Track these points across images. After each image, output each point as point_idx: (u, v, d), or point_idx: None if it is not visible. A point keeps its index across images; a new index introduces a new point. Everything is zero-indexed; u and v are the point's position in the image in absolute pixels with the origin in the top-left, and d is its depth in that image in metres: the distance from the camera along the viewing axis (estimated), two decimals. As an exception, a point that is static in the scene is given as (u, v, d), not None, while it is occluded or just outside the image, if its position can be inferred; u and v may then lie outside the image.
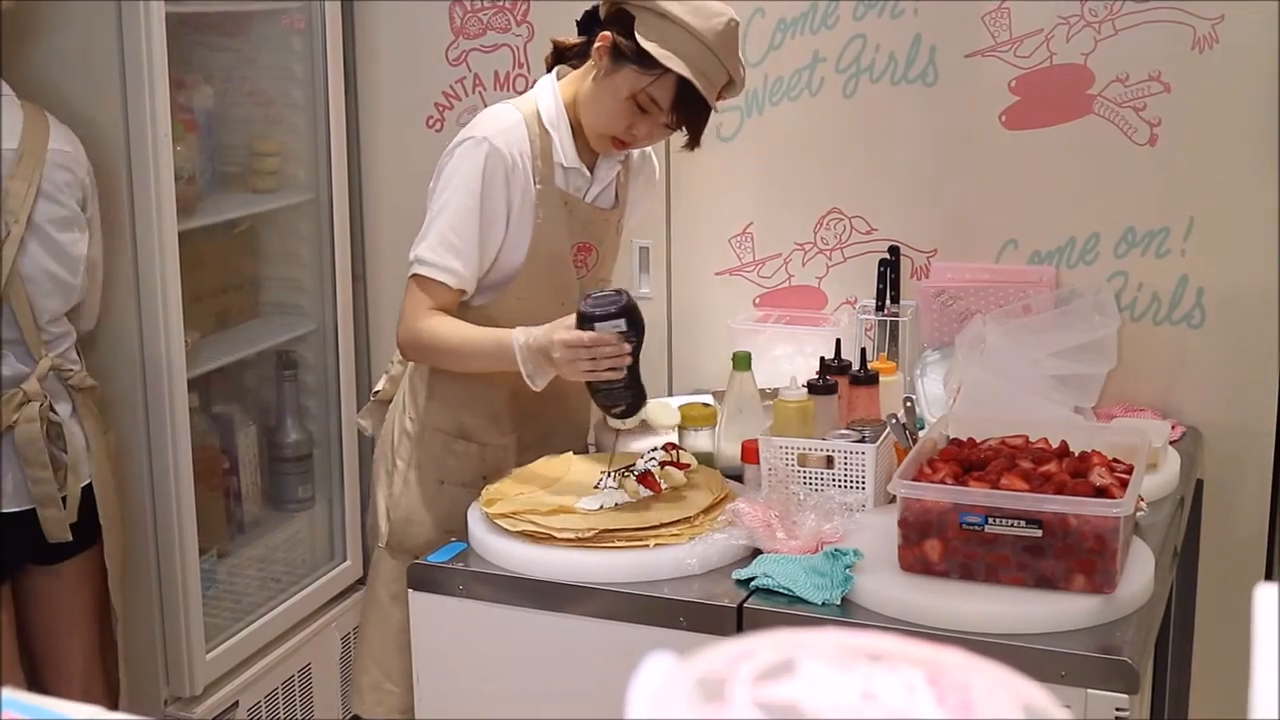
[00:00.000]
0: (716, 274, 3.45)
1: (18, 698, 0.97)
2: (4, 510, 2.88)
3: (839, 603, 2.24)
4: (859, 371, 2.75)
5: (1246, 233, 3.07)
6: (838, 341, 2.84)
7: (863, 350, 2.84)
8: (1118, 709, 2.08)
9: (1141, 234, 3.14)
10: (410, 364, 2.83)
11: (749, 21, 3.32)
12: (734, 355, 2.85)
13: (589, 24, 2.70)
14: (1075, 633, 2.15)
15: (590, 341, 2.48)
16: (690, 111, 2.60)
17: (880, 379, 2.77)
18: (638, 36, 2.55)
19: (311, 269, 3.72)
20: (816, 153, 3.36)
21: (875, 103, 3.28)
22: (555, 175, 2.67)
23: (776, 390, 2.70)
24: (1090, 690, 2.08)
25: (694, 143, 2.68)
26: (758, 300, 3.46)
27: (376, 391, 2.96)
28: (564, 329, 2.50)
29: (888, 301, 3.21)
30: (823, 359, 2.79)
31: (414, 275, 2.64)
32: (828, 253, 3.38)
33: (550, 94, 2.69)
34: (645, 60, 2.54)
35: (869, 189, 3.33)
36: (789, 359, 3.20)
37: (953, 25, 3.19)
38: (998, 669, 0.68)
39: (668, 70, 2.53)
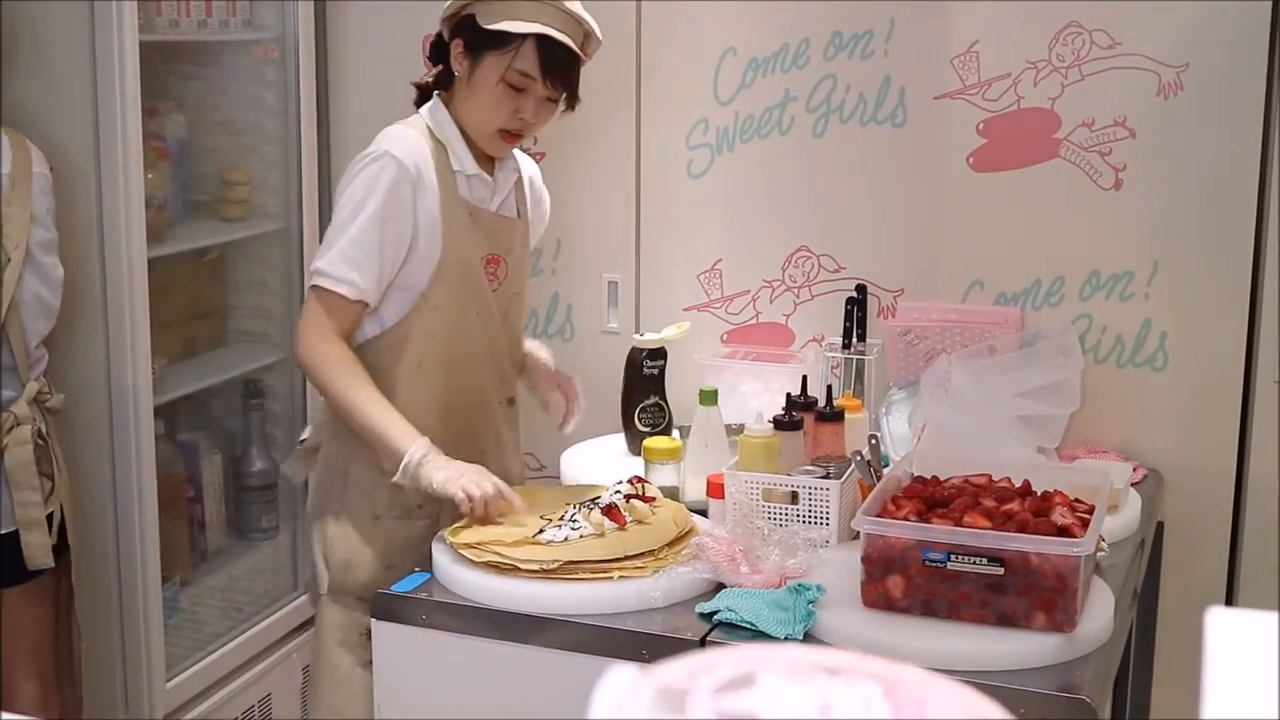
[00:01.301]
0: (685, 309, 3.47)
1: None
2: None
3: (801, 638, 2.24)
4: (825, 408, 2.77)
5: (1209, 277, 3.10)
6: (804, 378, 2.85)
7: (829, 388, 2.85)
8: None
9: (1106, 277, 3.17)
10: None
11: (721, 59, 3.36)
12: (700, 390, 2.87)
13: (437, 51, 2.77)
14: (1035, 670, 2.16)
15: (500, 485, 2.56)
16: (560, 71, 2.66)
17: (846, 416, 2.79)
18: (483, 26, 2.62)
19: (280, 298, 3.72)
20: (786, 191, 3.38)
21: (845, 142, 3.31)
22: (459, 185, 2.70)
23: (742, 426, 2.71)
24: (1049, 728, 2.09)
25: (573, 99, 2.73)
26: (725, 336, 3.47)
27: (303, 440, 2.93)
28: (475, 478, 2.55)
29: (854, 340, 3.23)
30: (789, 395, 2.80)
31: (313, 287, 2.64)
32: (795, 290, 3.40)
33: (433, 113, 2.73)
34: (499, 39, 2.62)
35: (837, 228, 3.36)
36: (755, 395, 3.22)
37: (922, 68, 3.22)
38: (953, 685, 0.69)
39: (525, 36, 2.61)
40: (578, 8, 2.68)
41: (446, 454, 2.60)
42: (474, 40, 2.65)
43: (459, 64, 2.68)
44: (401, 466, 2.54)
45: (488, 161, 2.77)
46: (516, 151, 2.87)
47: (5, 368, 2.87)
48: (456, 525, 2.53)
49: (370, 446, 2.63)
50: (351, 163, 2.68)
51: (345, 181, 2.66)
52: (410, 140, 2.66)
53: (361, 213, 2.60)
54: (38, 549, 2.91)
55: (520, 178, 2.88)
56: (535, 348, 3.01)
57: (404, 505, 2.71)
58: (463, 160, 2.71)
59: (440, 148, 2.68)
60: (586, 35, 2.71)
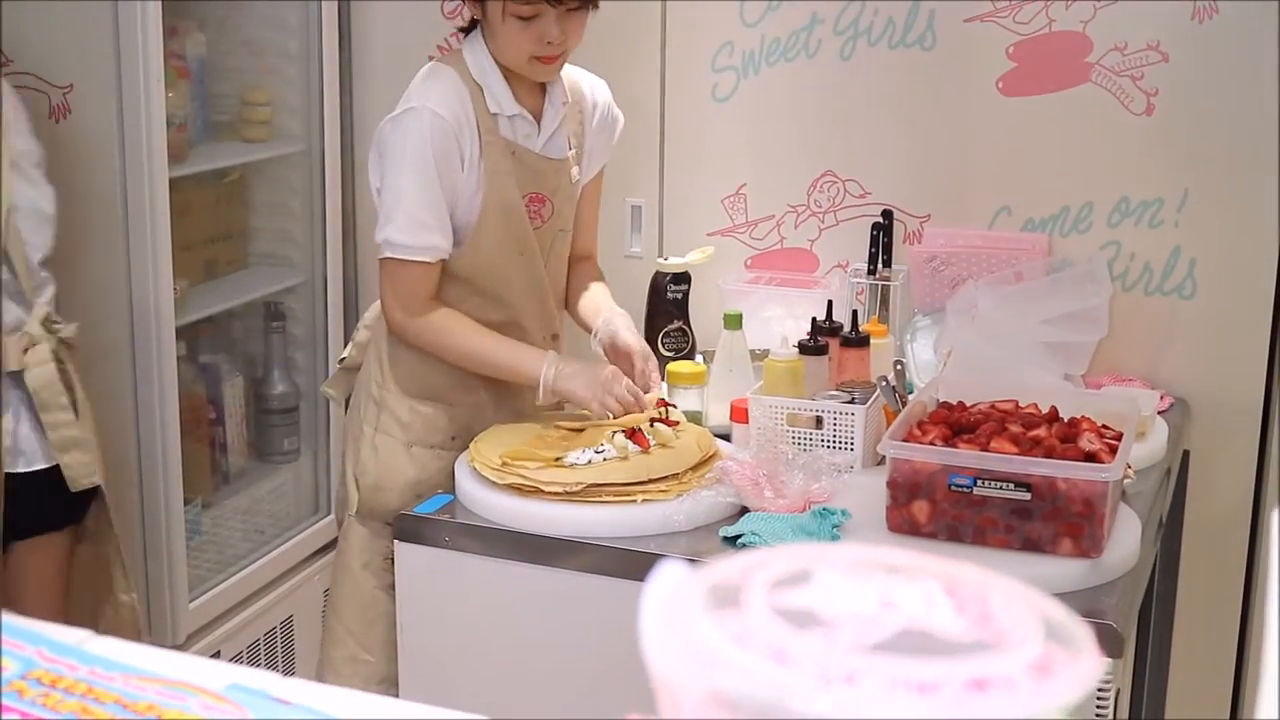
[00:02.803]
0: (709, 234, 3.44)
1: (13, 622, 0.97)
2: (22, 470, 2.74)
3: (826, 562, 2.24)
4: (850, 333, 2.75)
5: (1240, 205, 3.07)
6: (829, 303, 2.83)
7: (854, 313, 2.83)
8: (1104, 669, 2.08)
9: (1135, 204, 3.14)
10: (377, 328, 2.79)
11: (748, -19, 3.31)
12: (725, 315, 2.85)
13: None
14: (1061, 596, 2.12)
15: (633, 389, 2.60)
16: None
17: (871, 342, 2.77)
18: None
19: (301, 221, 3.70)
20: (812, 115, 3.35)
21: (872, 66, 3.27)
22: (500, 125, 2.63)
23: (767, 351, 2.70)
24: (1075, 654, 2.08)
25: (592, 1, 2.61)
26: (749, 261, 3.45)
27: (342, 359, 2.93)
28: (611, 368, 2.62)
29: (880, 266, 3.20)
30: (814, 320, 2.78)
31: (389, 259, 2.58)
32: (820, 215, 3.38)
33: (472, 51, 2.64)
34: None
35: (864, 152, 3.32)
36: (779, 321, 3.20)
37: (952, -11, 3.18)
38: (1014, 583, 0.68)
39: None
40: None
41: (481, 386, 2.69)
42: None
43: (470, 6, 2.62)
44: (540, 393, 2.59)
45: (535, 95, 2.68)
46: (582, 74, 2.81)
47: (9, 291, 2.73)
48: (479, 446, 2.53)
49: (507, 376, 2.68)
50: (385, 122, 2.60)
51: (386, 142, 2.59)
52: (443, 88, 2.58)
53: (414, 171, 2.54)
54: (81, 468, 2.78)
55: (579, 106, 2.78)
56: (620, 325, 2.78)
57: (438, 435, 2.71)
58: (501, 101, 2.62)
59: (477, 89, 2.60)
60: None
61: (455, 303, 2.65)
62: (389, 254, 2.58)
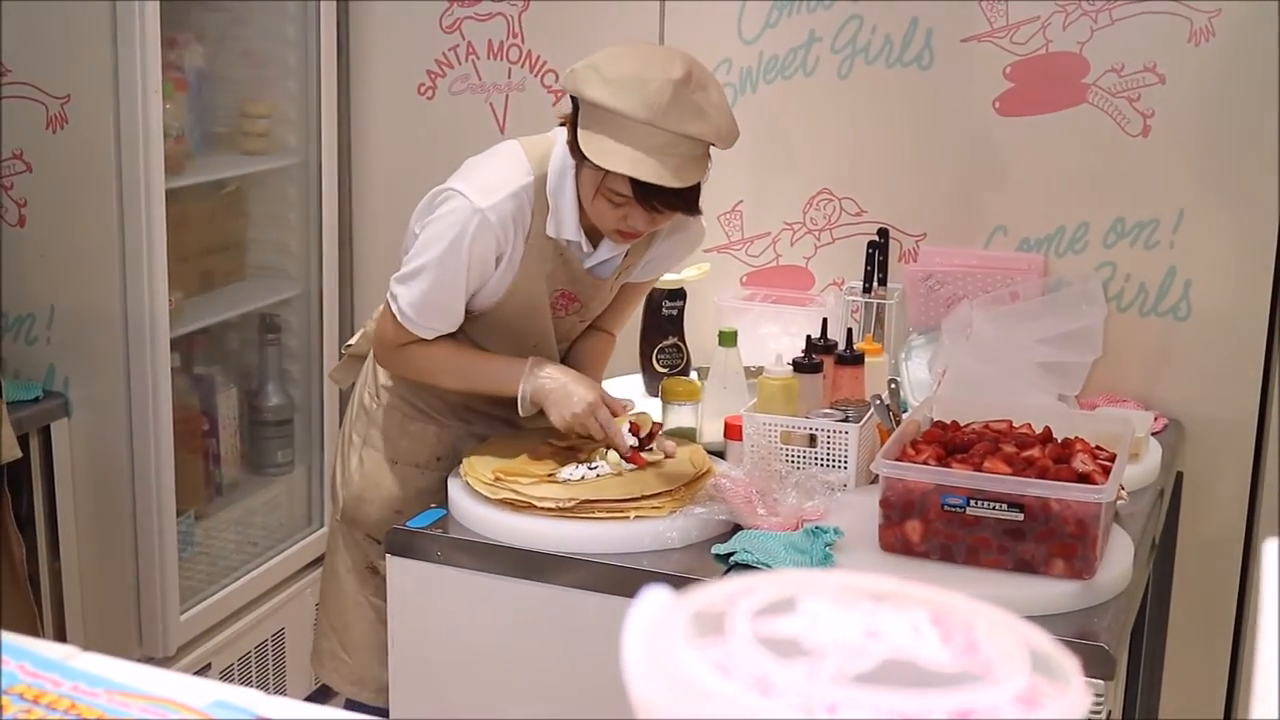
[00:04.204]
0: (705, 251, 3.44)
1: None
2: None
3: (818, 580, 2.23)
4: (845, 351, 2.75)
5: (1235, 227, 3.07)
6: (824, 321, 2.83)
7: (849, 331, 2.83)
8: (1093, 695, 2.08)
9: (1131, 225, 3.14)
10: None
11: (746, -2, 3.32)
12: (720, 332, 2.85)
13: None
14: (1053, 617, 2.15)
15: (608, 426, 2.47)
16: (663, 194, 2.35)
17: (866, 360, 2.77)
18: (579, 129, 2.37)
19: (298, 233, 3.71)
20: (809, 133, 3.35)
21: (870, 84, 3.27)
22: (548, 229, 2.50)
23: (761, 368, 2.69)
24: (1066, 675, 2.08)
25: (691, 211, 2.45)
26: (745, 278, 3.45)
27: (349, 345, 2.92)
28: (595, 390, 2.49)
29: (875, 284, 3.20)
30: (809, 338, 2.78)
31: (396, 319, 2.52)
32: (816, 233, 3.38)
33: (559, 164, 2.46)
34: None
35: (860, 171, 3.33)
36: (775, 338, 3.20)
37: (950, 9, 3.18)
38: (1001, 613, 0.68)
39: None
40: (687, 114, 2.30)
41: (472, 411, 2.65)
42: (572, 141, 2.40)
43: (572, 149, 2.42)
44: (521, 411, 2.53)
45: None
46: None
47: None
48: (472, 461, 2.53)
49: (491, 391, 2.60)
50: (440, 190, 2.46)
51: (435, 212, 2.45)
52: (509, 189, 2.43)
53: (444, 264, 2.43)
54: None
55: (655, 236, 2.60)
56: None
57: (424, 455, 2.70)
58: (563, 226, 2.46)
59: (542, 203, 2.45)
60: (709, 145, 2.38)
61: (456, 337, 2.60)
62: (393, 308, 2.51)
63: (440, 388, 2.64)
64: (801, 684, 0.61)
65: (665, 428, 2.76)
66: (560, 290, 2.57)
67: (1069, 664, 0.64)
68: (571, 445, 2.57)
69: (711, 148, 2.40)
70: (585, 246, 2.52)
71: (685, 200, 2.39)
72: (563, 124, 2.48)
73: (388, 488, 2.69)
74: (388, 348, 2.60)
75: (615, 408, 2.50)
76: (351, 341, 2.92)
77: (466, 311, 2.55)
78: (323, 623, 2.81)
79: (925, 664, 0.64)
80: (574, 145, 2.39)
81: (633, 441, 2.51)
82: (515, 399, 2.53)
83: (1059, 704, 0.61)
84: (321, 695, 3.29)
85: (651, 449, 2.52)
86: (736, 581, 0.70)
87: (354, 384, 2.86)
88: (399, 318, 2.51)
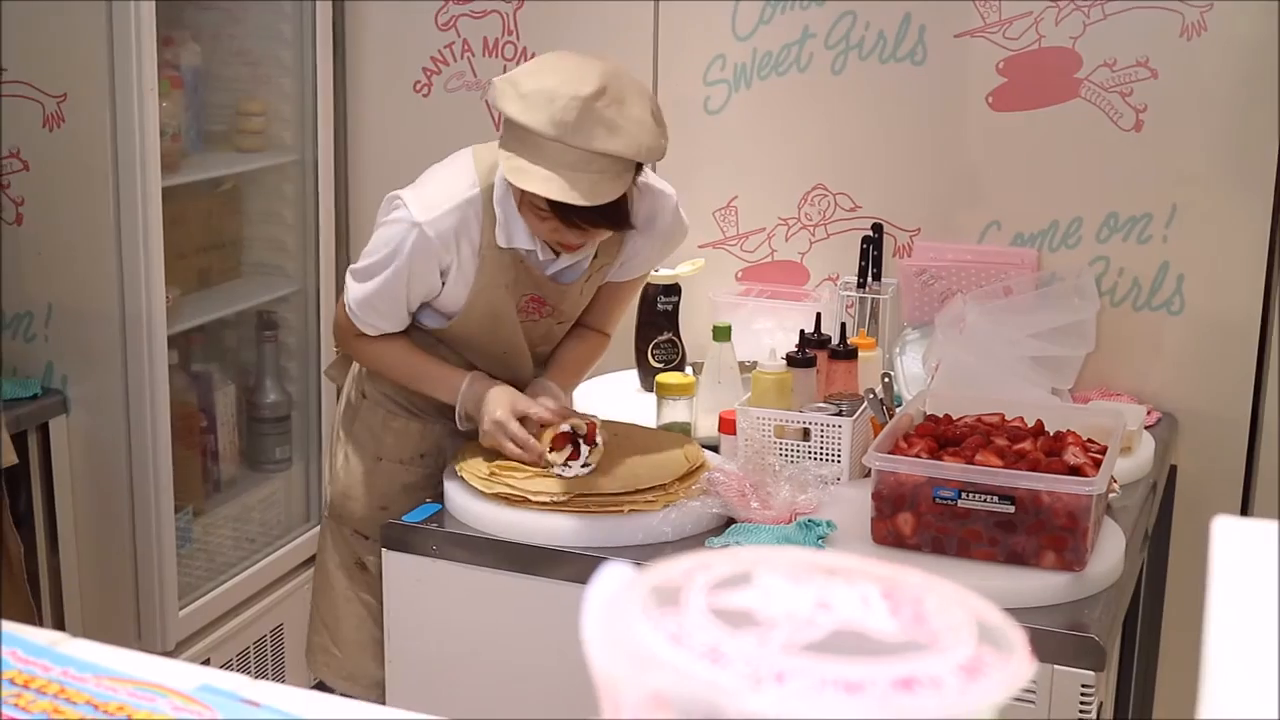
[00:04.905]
0: (700, 246, 3.45)
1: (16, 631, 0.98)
2: None
3: (810, 573, 2.24)
4: (838, 346, 2.76)
5: (1228, 221, 3.08)
6: (818, 315, 2.84)
7: (843, 325, 2.84)
8: (1083, 686, 2.09)
9: (1124, 219, 3.15)
10: None
11: (740, -6, 3.33)
12: (714, 327, 2.86)
13: None
14: (1044, 609, 2.16)
15: (517, 439, 2.44)
16: (583, 212, 2.29)
17: (859, 354, 2.78)
18: (499, 145, 2.35)
19: (294, 230, 3.72)
20: (803, 128, 3.36)
21: (863, 80, 3.28)
22: (499, 240, 2.47)
23: (755, 363, 2.70)
24: (1056, 666, 2.09)
25: (619, 227, 2.40)
26: (740, 274, 3.46)
27: None
28: (503, 407, 2.46)
29: (869, 279, 3.21)
30: (802, 332, 2.79)
31: (349, 313, 2.55)
32: (811, 228, 3.39)
33: (500, 173, 2.40)
34: None
35: (854, 166, 3.34)
36: (769, 333, 3.21)
37: (943, 5, 3.19)
38: (953, 587, 0.69)
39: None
40: (599, 130, 2.24)
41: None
42: (500, 150, 2.36)
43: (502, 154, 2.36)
44: (459, 425, 2.56)
45: None
46: (645, 192, 2.55)
47: None
48: (466, 455, 2.54)
49: (430, 393, 2.61)
50: (393, 196, 2.47)
51: (387, 214, 2.47)
52: (451, 204, 2.43)
53: (383, 273, 2.46)
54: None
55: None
56: (542, 390, 2.61)
57: (408, 451, 2.70)
58: (514, 236, 2.44)
59: (490, 216, 2.44)
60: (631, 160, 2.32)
61: (425, 347, 2.61)
62: (345, 298, 2.56)
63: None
64: (751, 653, 0.63)
65: (660, 422, 2.78)
66: (528, 295, 2.55)
67: (1016, 636, 0.65)
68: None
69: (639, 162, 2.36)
70: (543, 254, 2.49)
71: (608, 217, 2.34)
72: None
73: (372, 484, 2.70)
74: (344, 333, 2.63)
75: (543, 417, 2.45)
76: None
77: (437, 317, 2.57)
78: (315, 618, 2.82)
79: (873, 634, 0.65)
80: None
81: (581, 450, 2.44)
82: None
83: (1001, 673, 0.62)
84: (320, 691, 3.29)
85: (596, 445, 2.44)
86: (695, 557, 0.71)
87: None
88: (347, 309, 2.56)
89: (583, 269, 2.57)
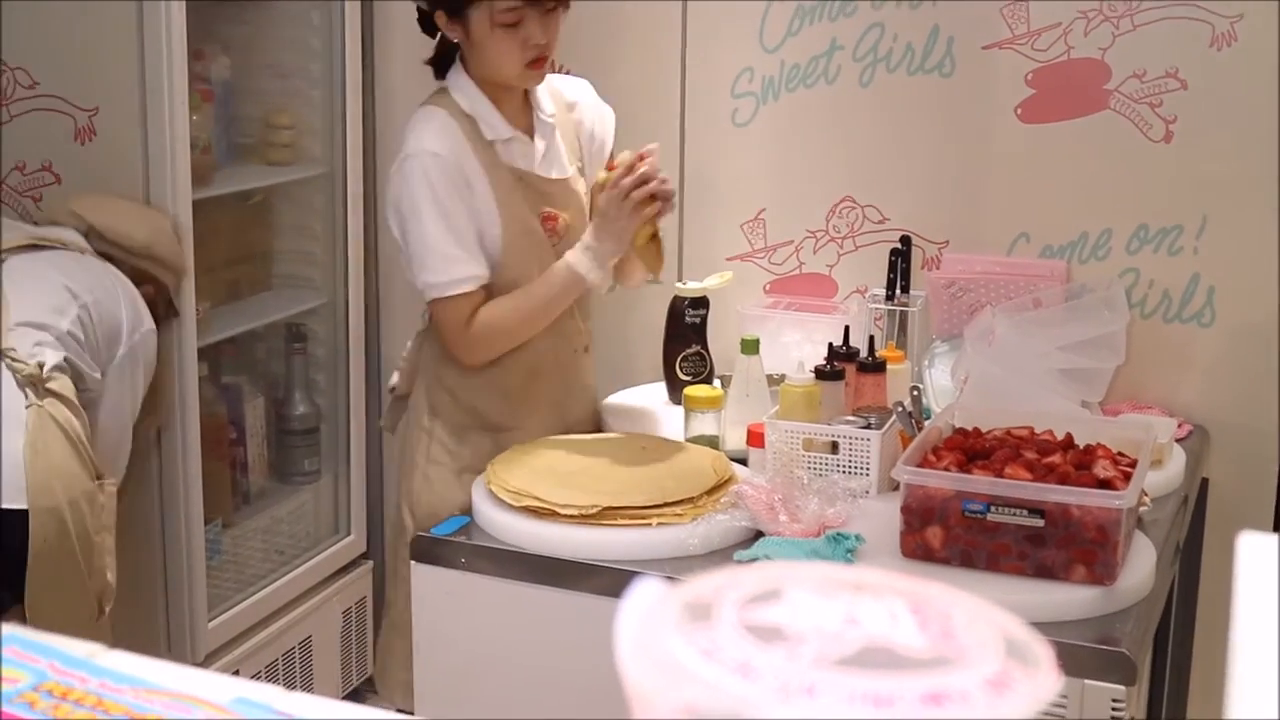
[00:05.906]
0: (728, 259, 3.45)
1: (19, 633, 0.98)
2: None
3: (838, 586, 2.24)
4: (867, 359, 2.75)
5: (1259, 232, 3.06)
6: (846, 328, 2.84)
7: (871, 338, 2.84)
8: (1114, 700, 2.08)
9: (1154, 231, 3.14)
10: (421, 358, 2.87)
11: (767, 6, 3.33)
12: (742, 340, 2.86)
13: (426, 24, 2.78)
14: (1074, 623, 2.15)
15: (622, 173, 2.64)
16: None
17: (888, 367, 2.77)
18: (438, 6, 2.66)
19: (324, 243, 3.73)
20: (831, 140, 3.36)
21: (891, 92, 3.28)
22: (499, 153, 2.72)
23: (784, 376, 2.70)
24: (1087, 681, 2.08)
25: None
26: (768, 287, 3.46)
27: (392, 388, 2.99)
28: (599, 205, 2.69)
29: (898, 291, 3.20)
30: (831, 345, 2.79)
31: (437, 300, 2.69)
32: (839, 241, 3.38)
33: (456, 83, 2.74)
34: None
35: (883, 178, 3.33)
36: (798, 346, 3.21)
37: (971, 17, 3.19)
38: (980, 602, 0.69)
39: None
40: None
41: (527, 414, 2.79)
42: (451, 2, 2.66)
43: (451, 30, 2.70)
44: (591, 285, 2.73)
45: (524, 116, 2.77)
46: (561, 82, 2.90)
47: None
48: (496, 469, 2.54)
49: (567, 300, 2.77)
50: (393, 169, 2.71)
51: (395, 193, 2.69)
52: (436, 127, 2.68)
53: (430, 213, 2.64)
54: None
55: (569, 114, 2.87)
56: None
57: (484, 463, 2.71)
58: (495, 128, 2.72)
59: (469, 121, 2.70)
60: None
61: None
62: (434, 295, 2.68)
63: (523, 340, 2.76)
64: (781, 667, 0.63)
65: (688, 435, 2.78)
66: (543, 213, 2.75)
67: (1043, 652, 0.65)
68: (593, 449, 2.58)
69: None
70: (525, 140, 2.74)
71: None
72: (435, 69, 2.80)
73: (457, 498, 2.71)
74: (456, 336, 2.71)
75: (634, 163, 2.67)
76: (393, 383, 2.97)
77: (488, 260, 2.70)
78: (396, 650, 2.81)
79: (902, 650, 0.65)
80: (450, 28, 2.69)
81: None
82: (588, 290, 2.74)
83: (1028, 688, 0.62)
84: (352, 699, 3.30)
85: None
86: (725, 574, 0.72)
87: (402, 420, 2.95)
88: (434, 294, 2.67)
89: (561, 155, 2.81)
